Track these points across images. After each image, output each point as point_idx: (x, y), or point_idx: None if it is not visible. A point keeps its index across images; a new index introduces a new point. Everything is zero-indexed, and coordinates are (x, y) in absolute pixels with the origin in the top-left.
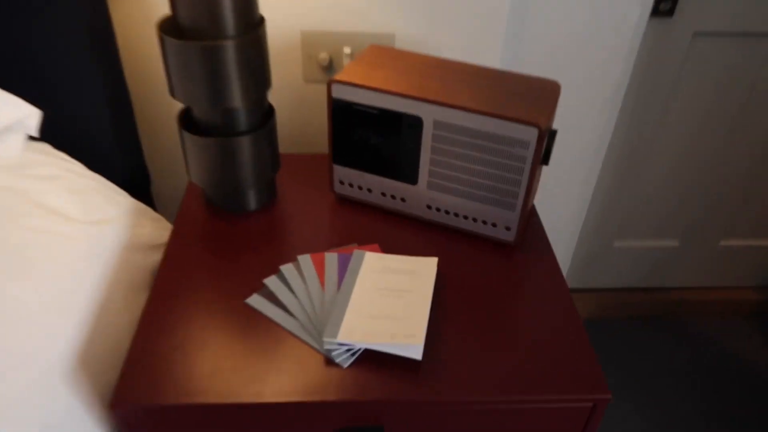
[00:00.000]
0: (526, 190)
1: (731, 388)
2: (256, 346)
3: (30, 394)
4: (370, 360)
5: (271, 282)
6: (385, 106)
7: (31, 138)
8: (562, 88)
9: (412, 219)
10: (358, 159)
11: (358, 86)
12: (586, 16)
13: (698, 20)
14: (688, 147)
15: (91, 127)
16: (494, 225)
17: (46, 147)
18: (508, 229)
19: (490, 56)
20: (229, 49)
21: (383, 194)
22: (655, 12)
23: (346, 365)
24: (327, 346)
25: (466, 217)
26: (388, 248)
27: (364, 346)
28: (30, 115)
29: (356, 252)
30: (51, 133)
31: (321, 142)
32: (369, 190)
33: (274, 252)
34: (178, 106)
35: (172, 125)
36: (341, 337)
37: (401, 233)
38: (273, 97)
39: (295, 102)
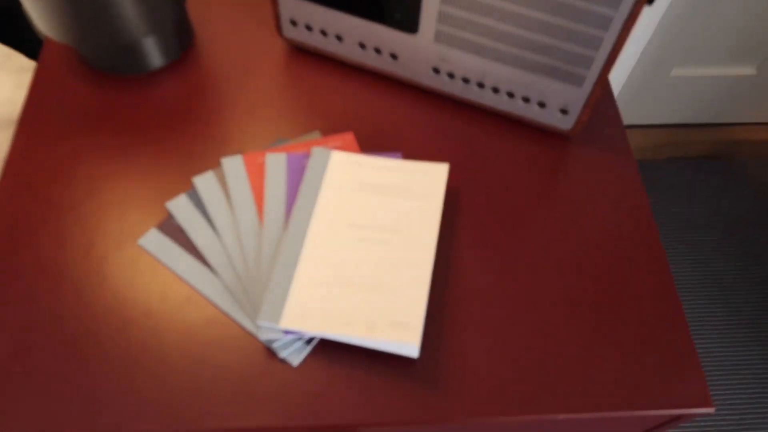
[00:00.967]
0: (608, 55)
1: None
2: (151, 318)
3: None
4: (336, 351)
5: (178, 207)
6: None
7: None
8: None
9: (408, 89)
10: None
11: None
12: None
13: None
14: None
15: None
16: (542, 105)
17: None
18: (564, 112)
19: None
20: None
21: (362, 46)
22: None
23: (296, 362)
24: (265, 335)
25: (496, 90)
26: (368, 142)
27: (323, 336)
28: None
29: (317, 150)
30: None
31: None
32: (339, 38)
33: (183, 149)
34: None
35: None
36: (287, 323)
37: (390, 114)
38: None
39: None
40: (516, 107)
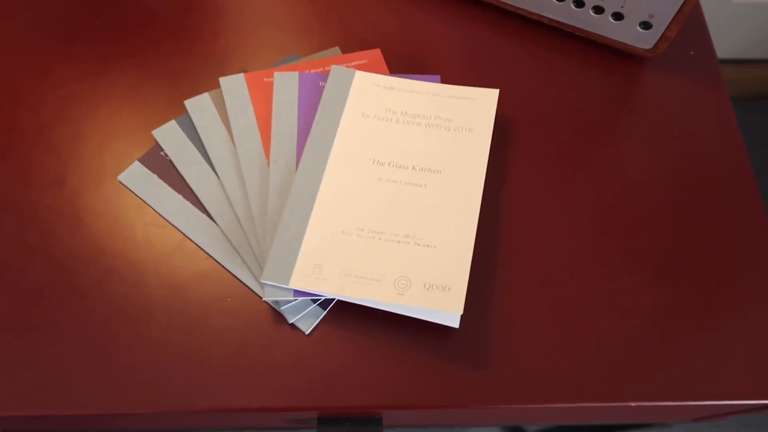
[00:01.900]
0: None
1: None
2: (135, 270)
3: None
4: (358, 317)
5: (166, 135)
6: None
7: None
8: None
9: None
10: None
11: None
12: None
13: None
14: None
15: None
16: (619, 17)
17: None
18: (646, 26)
19: None
20: None
21: None
22: None
23: (308, 329)
24: (270, 296)
25: None
26: (398, 63)
27: (342, 298)
28: None
29: (337, 69)
30: None
31: None
32: None
33: (174, 67)
34: None
35: None
36: (298, 282)
37: (425, 29)
38: None
39: None
40: (584, 20)
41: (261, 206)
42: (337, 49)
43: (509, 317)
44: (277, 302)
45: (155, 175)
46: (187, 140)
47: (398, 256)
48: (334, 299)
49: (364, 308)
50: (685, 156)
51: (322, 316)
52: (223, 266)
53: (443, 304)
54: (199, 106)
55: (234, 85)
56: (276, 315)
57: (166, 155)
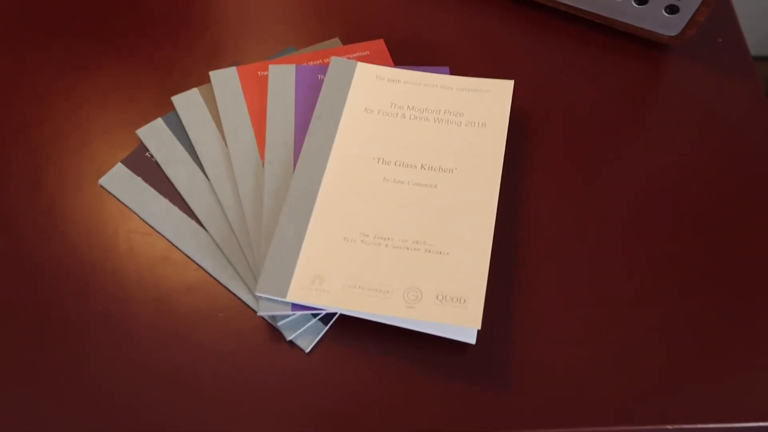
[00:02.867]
0: None
1: None
2: (116, 282)
3: None
4: (363, 333)
5: (151, 134)
6: None
7: None
8: None
9: None
10: None
11: None
12: None
13: None
14: None
15: None
16: (642, 0)
17: None
18: (672, 10)
19: None
20: None
21: None
22: None
23: (308, 347)
24: (266, 310)
25: None
26: (403, 54)
27: (346, 312)
28: None
29: (337, 60)
30: None
31: None
32: None
33: (161, 61)
34: None
35: None
36: (296, 295)
37: (431, 19)
38: None
39: None
40: (604, 6)
41: (255, 211)
42: (336, 40)
43: (529, 331)
44: (273, 317)
45: (139, 178)
46: (175, 139)
47: (407, 265)
48: (336, 313)
49: (369, 323)
50: (715, 152)
51: (323, 333)
52: (213, 277)
53: (459, 317)
54: (187, 102)
55: (225, 80)
56: (273, 331)
57: (152, 156)
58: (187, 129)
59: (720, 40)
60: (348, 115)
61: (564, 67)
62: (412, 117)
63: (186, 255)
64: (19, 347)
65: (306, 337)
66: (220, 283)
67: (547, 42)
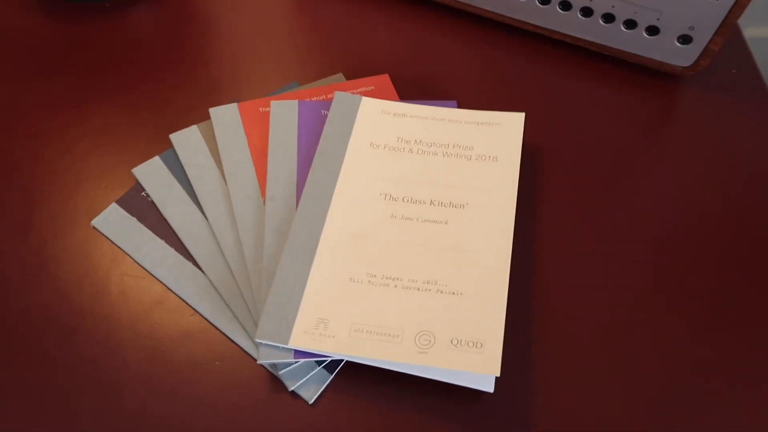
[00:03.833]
0: None
1: None
2: (107, 328)
3: None
4: (371, 381)
5: (148, 173)
6: None
7: None
8: None
9: (461, 18)
10: None
11: None
12: None
13: None
14: None
15: None
16: (654, 31)
17: None
18: (685, 40)
19: None
20: None
21: None
22: None
23: (312, 398)
24: (266, 358)
25: (587, 12)
26: (409, 89)
27: (353, 359)
28: None
29: (341, 95)
30: None
31: None
32: None
33: (159, 100)
34: None
35: None
36: (299, 341)
37: (437, 53)
38: None
39: None
40: (614, 37)
41: (256, 251)
42: (340, 75)
43: (550, 378)
44: (274, 365)
45: (134, 218)
46: (172, 178)
47: (418, 307)
48: (342, 360)
49: (378, 371)
50: (735, 185)
51: (328, 382)
52: (210, 323)
53: (476, 364)
54: (185, 140)
55: (226, 116)
56: (274, 381)
57: (148, 196)
58: (185, 167)
59: (734, 71)
60: (353, 151)
61: (575, 100)
62: (420, 151)
63: (182, 299)
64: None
65: (309, 387)
66: (218, 329)
67: (557, 75)
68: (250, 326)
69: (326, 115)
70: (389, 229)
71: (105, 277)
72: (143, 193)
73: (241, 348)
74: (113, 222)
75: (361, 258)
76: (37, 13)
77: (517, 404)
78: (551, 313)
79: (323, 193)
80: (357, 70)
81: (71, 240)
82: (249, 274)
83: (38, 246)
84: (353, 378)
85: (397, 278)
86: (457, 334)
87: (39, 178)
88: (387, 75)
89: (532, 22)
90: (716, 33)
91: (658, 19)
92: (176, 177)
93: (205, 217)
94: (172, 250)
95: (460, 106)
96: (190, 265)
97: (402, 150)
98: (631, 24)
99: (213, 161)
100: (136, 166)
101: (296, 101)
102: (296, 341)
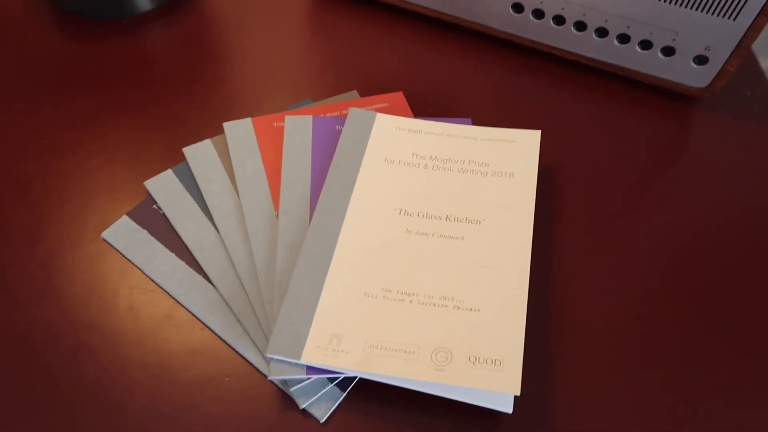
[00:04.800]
0: None
1: None
2: (114, 344)
3: None
4: (385, 399)
5: (160, 186)
6: None
7: None
8: None
9: (475, 38)
10: None
11: None
12: None
13: None
14: None
15: None
16: (669, 52)
17: None
18: (701, 61)
19: None
20: None
21: None
22: None
23: (323, 416)
24: (277, 374)
25: (602, 33)
26: (423, 107)
27: (367, 377)
28: None
29: (356, 111)
30: None
31: None
32: None
33: (172, 115)
34: None
35: None
36: (312, 357)
37: (451, 72)
38: None
39: None
40: (628, 58)
41: (268, 265)
42: (355, 92)
43: (570, 397)
44: (285, 382)
45: (145, 231)
46: (185, 191)
47: (435, 323)
48: (355, 378)
49: (392, 389)
50: (748, 205)
51: (340, 400)
52: (221, 338)
53: (495, 382)
54: (199, 153)
55: (239, 130)
56: (284, 399)
57: (159, 208)
58: (197, 180)
59: (749, 93)
60: (367, 166)
61: (589, 120)
62: (435, 167)
63: (192, 313)
64: (3, 417)
65: (321, 405)
66: (228, 344)
67: (571, 95)
68: (261, 341)
69: (340, 131)
70: (404, 245)
71: (114, 290)
72: (155, 206)
73: (252, 364)
74: (123, 234)
75: (376, 273)
76: (53, 29)
77: (536, 426)
78: (570, 331)
79: (337, 207)
80: (371, 87)
81: (80, 253)
82: (261, 289)
83: (46, 258)
84: (366, 396)
85: (413, 294)
86: (475, 351)
87: (50, 191)
88: (401, 93)
89: (546, 42)
90: (732, 54)
91: (674, 40)
92: (189, 190)
93: (217, 230)
94: (182, 264)
95: (474, 124)
96: (200, 278)
97: (417, 165)
98: (646, 45)
99: (226, 175)
100: (148, 179)
101: (311, 116)
102: (309, 357)
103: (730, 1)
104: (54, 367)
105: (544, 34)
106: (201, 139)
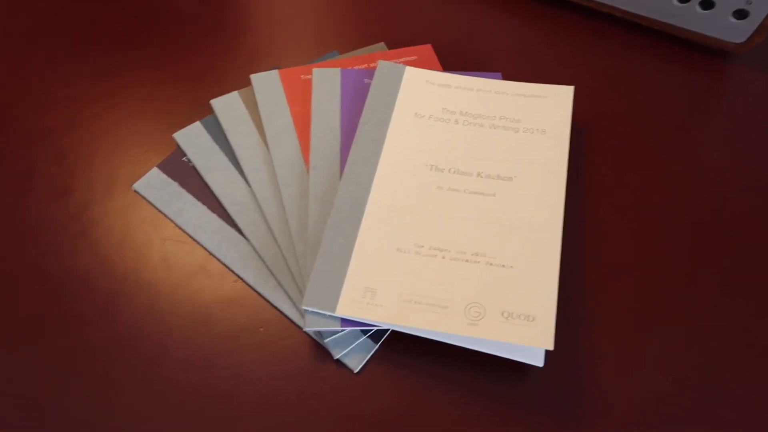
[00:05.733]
0: None
1: None
2: (149, 294)
3: None
4: (417, 352)
5: (189, 138)
6: None
7: None
8: None
9: None
10: None
11: None
12: None
13: None
14: None
15: None
16: (708, 4)
17: None
18: (740, 15)
19: None
20: None
21: None
22: None
23: (357, 367)
24: (312, 325)
25: None
26: (452, 60)
27: (400, 329)
28: None
29: (384, 64)
30: None
31: None
32: None
33: (198, 66)
34: None
35: None
36: (346, 309)
37: (481, 25)
38: None
39: None
40: (665, 11)
41: (300, 219)
42: (382, 44)
43: (598, 354)
44: (320, 333)
45: (176, 183)
46: (214, 144)
47: (468, 278)
48: (388, 330)
49: (423, 342)
50: None
51: (373, 351)
52: (254, 289)
53: (528, 337)
54: (227, 105)
55: (267, 83)
56: (318, 349)
57: (189, 161)
58: (226, 133)
59: None
60: (397, 121)
61: (622, 75)
62: (466, 123)
63: (225, 265)
64: (40, 367)
65: (355, 356)
66: (262, 296)
67: (604, 50)
68: (295, 294)
69: (369, 84)
70: (436, 201)
71: (146, 242)
72: (184, 159)
73: (286, 315)
74: (154, 186)
75: (408, 228)
76: None
77: (563, 382)
78: (600, 289)
79: (368, 162)
80: (399, 39)
81: (112, 205)
82: (293, 241)
83: (78, 211)
84: (398, 348)
85: (445, 249)
86: (508, 306)
87: (78, 143)
88: (430, 45)
89: None
90: None
91: None
92: (218, 143)
93: (248, 183)
94: (214, 216)
95: (504, 79)
96: (233, 231)
97: (447, 121)
98: None
99: (254, 128)
100: (175, 131)
101: (339, 69)
102: (343, 309)
103: None
104: (90, 317)
105: None
106: (227, 91)
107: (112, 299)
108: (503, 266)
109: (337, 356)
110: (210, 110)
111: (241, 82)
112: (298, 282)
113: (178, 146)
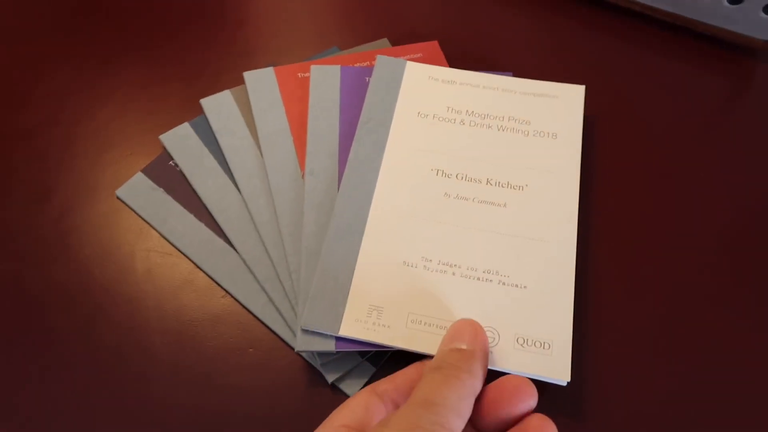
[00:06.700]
0: None
1: None
2: (131, 309)
3: None
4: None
5: (176, 141)
6: None
7: None
8: None
9: None
10: None
11: None
12: None
13: None
14: None
15: None
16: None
17: None
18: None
19: None
20: None
21: None
22: None
23: (354, 392)
24: (305, 346)
25: None
26: (459, 58)
27: (408, 350)
28: None
29: (384, 59)
30: None
31: None
32: None
33: (189, 61)
34: None
35: None
36: (348, 330)
37: (490, 21)
38: None
39: None
40: (688, 6)
41: (294, 229)
42: (385, 40)
43: (617, 369)
44: (314, 356)
45: (161, 190)
46: (203, 147)
47: (480, 298)
48: (387, 353)
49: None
50: None
51: (370, 375)
52: (243, 306)
53: (546, 368)
54: (218, 105)
55: (261, 81)
56: (312, 372)
57: (176, 165)
58: (216, 135)
59: None
60: (399, 121)
61: (641, 75)
62: (472, 123)
63: (212, 279)
64: (14, 388)
65: (352, 381)
66: (251, 313)
67: (620, 47)
68: (288, 311)
69: (369, 78)
70: (444, 209)
71: (129, 253)
72: (171, 162)
73: (277, 335)
74: (139, 193)
75: (415, 240)
76: None
77: (579, 394)
78: (612, 308)
79: (369, 166)
80: (403, 35)
81: (93, 212)
82: (287, 255)
83: (57, 218)
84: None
85: (455, 265)
86: (523, 332)
87: (58, 144)
88: (436, 42)
89: None
90: None
91: None
92: (207, 146)
93: (239, 190)
94: (201, 225)
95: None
96: (221, 241)
97: (453, 121)
98: None
99: (247, 129)
100: (163, 132)
101: (338, 66)
102: (347, 330)
103: None
104: (70, 333)
105: None
106: (220, 88)
107: (91, 315)
108: (516, 286)
109: (331, 380)
110: (200, 110)
111: (235, 81)
112: (290, 298)
113: (164, 149)
